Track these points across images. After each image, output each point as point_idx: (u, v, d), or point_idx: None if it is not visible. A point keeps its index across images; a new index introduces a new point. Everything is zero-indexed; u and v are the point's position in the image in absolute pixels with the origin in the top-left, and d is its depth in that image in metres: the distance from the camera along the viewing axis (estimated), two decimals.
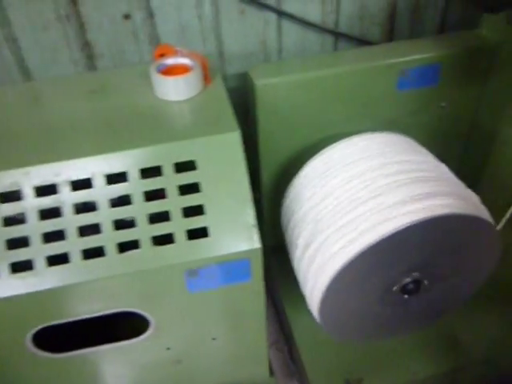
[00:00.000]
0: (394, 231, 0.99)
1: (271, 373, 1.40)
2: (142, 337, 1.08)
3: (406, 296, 1.15)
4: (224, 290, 1.02)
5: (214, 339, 1.16)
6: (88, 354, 1.10)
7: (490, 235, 1.13)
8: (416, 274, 1.13)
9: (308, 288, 1.14)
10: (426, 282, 1.15)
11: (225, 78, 1.61)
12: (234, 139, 0.97)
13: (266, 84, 1.25)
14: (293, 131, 1.36)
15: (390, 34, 1.66)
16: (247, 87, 1.33)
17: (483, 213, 1.10)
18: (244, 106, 1.39)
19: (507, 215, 1.30)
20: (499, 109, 1.40)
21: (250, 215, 0.97)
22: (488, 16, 1.36)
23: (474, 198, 1.14)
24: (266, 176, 1.46)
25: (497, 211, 1.33)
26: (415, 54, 1.31)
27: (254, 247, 0.96)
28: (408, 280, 1.13)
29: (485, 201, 1.59)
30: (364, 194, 1.07)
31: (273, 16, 1.52)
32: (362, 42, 1.63)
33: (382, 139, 1.21)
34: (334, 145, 1.26)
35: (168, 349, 1.15)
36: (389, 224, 1.00)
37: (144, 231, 0.94)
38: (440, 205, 1.03)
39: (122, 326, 1.10)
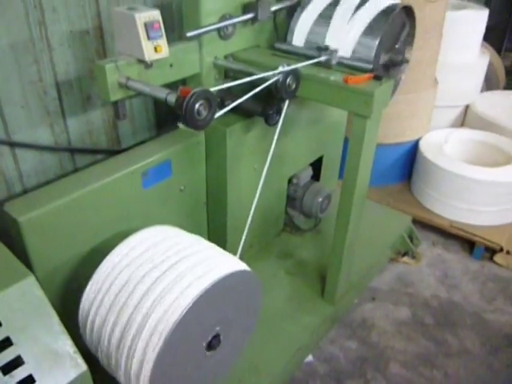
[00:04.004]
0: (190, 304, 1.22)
1: None
2: None
3: (209, 352, 1.39)
4: None
5: None
6: None
7: (253, 282, 1.47)
8: (216, 330, 1.38)
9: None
10: (222, 336, 1.40)
11: None
12: (29, 284, 1.03)
13: (30, 218, 1.31)
14: (71, 254, 1.46)
15: (118, 139, 1.91)
16: (6, 224, 1.35)
17: (245, 267, 1.43)
18: None
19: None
20: (221, 182, 1.82)
21: (67, 344, 1.04)
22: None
23: (232, 257, 1.47)
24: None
25: None
26: (150, 157, 1.59)
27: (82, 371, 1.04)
28: (210, 337, 1.37)
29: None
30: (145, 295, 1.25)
31: (5, 148, 1.57)
32: (96, 151, 1.83)
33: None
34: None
35: None
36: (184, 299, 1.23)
37: None
38: (217, 271, 1.31)
39: None
